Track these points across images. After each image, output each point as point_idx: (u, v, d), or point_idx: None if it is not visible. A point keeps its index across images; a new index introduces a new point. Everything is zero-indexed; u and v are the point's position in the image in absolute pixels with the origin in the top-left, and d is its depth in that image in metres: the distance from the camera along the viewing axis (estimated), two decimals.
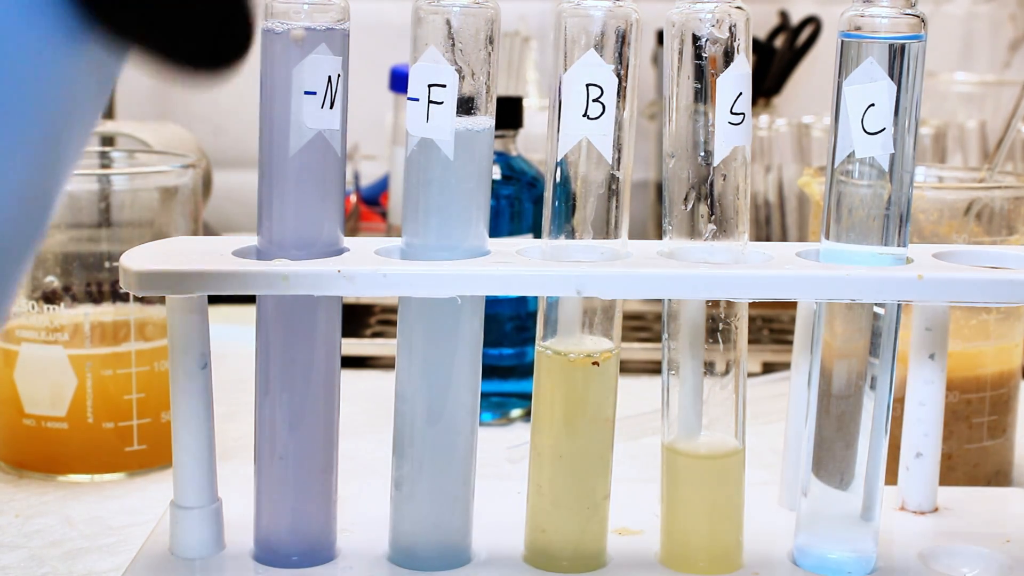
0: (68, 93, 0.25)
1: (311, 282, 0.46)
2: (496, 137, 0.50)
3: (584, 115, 0.46)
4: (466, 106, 0.46)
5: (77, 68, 0.24)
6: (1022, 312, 0.62)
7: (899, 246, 0.47)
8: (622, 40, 0.46)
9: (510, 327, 0.74)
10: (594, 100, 0.46)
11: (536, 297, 0.48)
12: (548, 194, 0.48)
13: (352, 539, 0.51)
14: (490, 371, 0.71)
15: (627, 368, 0.82)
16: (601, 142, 0.46)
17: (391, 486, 0.49)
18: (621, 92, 0.46)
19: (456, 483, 0.49)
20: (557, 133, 0.46)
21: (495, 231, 0.59)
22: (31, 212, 0.25)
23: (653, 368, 0.83)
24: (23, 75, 0.23)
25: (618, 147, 0.46)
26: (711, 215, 0.47)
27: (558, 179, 0.47)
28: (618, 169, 0.47)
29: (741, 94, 0.46)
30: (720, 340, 0.48)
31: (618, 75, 0.46)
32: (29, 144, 0.24)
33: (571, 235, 0.47)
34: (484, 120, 0.47)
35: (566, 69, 0.46)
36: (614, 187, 0.47)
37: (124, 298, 0.63)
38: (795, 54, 1.06)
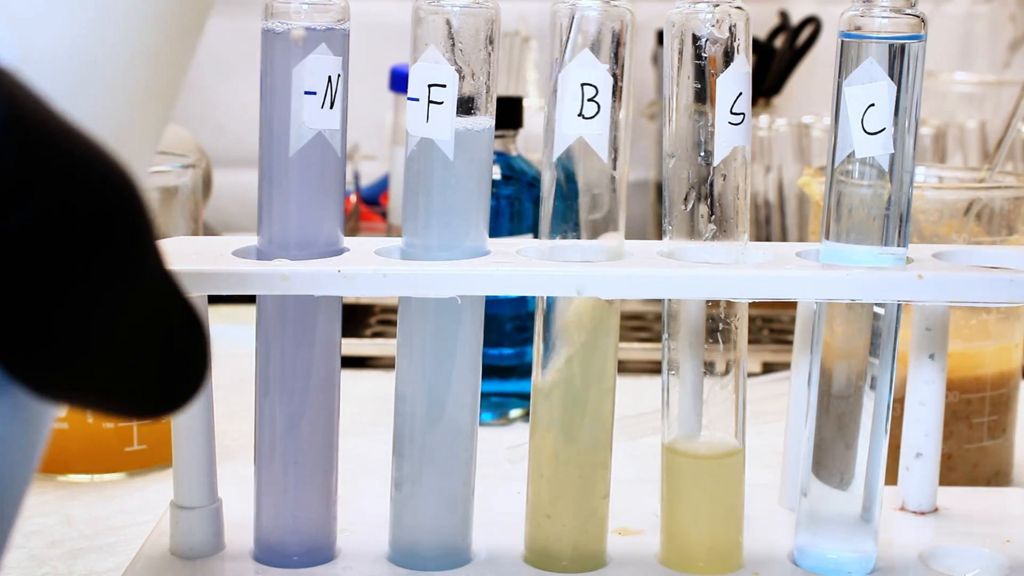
0: None
1: (311, 282, 0.46)
2: (496, 137, 0.50)
3: (579, 115, 0.46)
4: (466, 106, 0.46)
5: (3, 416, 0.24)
6: (1022, 312, 0.62)
7: (899, 246, 0.47)
8: (617, 40, 0.46)
9: (510, 327, 0.74)
10: (589, 100, 0.46)
11: (536, 297, 0.48)
12: (545, 194, 0.48)
13: (352, 539, 0.51)
14: (490, 371, 0.71)
15: (627, 368, 0.82)
16: (596, 141, 0.46)
17: (391, 486, 0.49)
18: (617, 92, 0.46)
19: (456, 483, 0.49)
20: (553, 133, 0.46)
21: (495, 231, 0.59)
22: None
23: (653, 368, 0.83)
24: None
25: (614, 146, 0.46)
26: (711, 215, 0.47)
27: (554, 179, 0.47)
28: (615, 168, 0.47)
29: (741, 94, 0.46)
30: (720, 340, 0.48)
31: (613, 75, 0.46)
32: None
33: (569, 235, 0.47)
34: (484, 120, 0.47)
35: (562, 67, 0.46)
36: (611, 187, 0.47)
37: None
38: (795, 54, 1.06)
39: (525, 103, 0.79)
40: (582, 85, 0.46)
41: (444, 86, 0.46)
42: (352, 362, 0.83)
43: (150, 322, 0.24)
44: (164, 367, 0.24)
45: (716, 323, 0.48)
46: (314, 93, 0.46)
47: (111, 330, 0.23)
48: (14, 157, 0.21)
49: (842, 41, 0.46)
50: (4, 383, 0.23)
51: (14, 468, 0.25)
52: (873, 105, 0.46)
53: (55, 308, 0.22)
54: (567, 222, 0.47)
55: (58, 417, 0.62)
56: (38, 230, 0.22)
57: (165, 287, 0.24)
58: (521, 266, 0.46)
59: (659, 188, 0.78)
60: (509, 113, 0.73)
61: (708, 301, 0.48)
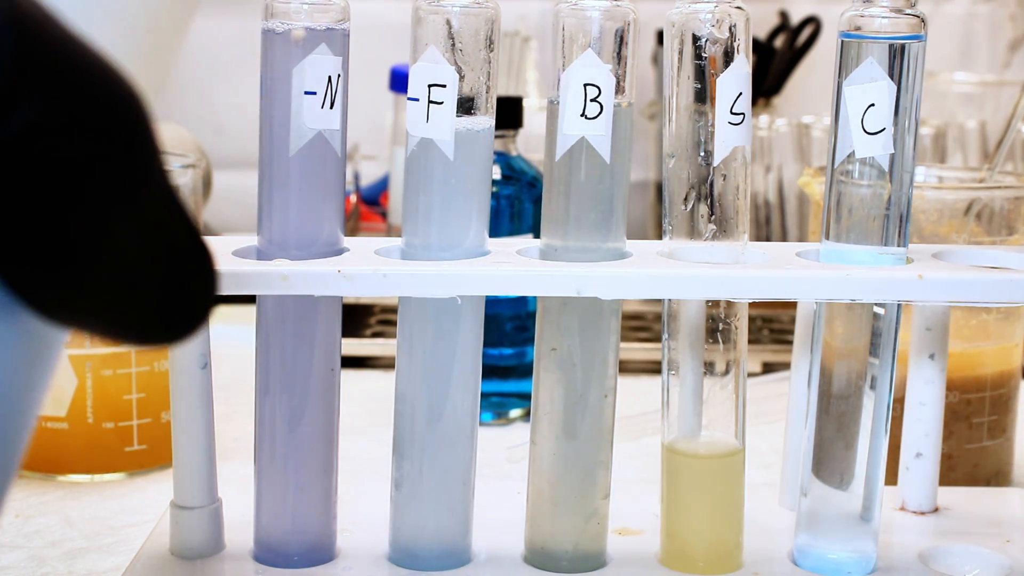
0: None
1: (311, 282, 0.46)
2: (496, 137, 0.50)
3: (582, 114, 0.46)
4: (466, 106, 0.46)
5: (6, 334, 0.22)
6: (1022, 312, 0.62)
7: (899, 246, 0.47)
8: (620, 40, 0.46)
9: (510, 327, 0.74)
10: (592, 100, 0.46)
11: (536, 297, 0.48)
12: (546, 194, 0.48)
13: (352, 539, 0.51)
14: (490, 371, 0.71)
15: (627, 368, 0.82)
16: (599, 141, 0.46)
17: (391, 486, 0.49)
18: (619, 91, 0.46)
19: (456, 483, 0.49)
20: (555, 133, 0.46)
21: (495, 231, 0.59)
22: None
23: (653, 368, 0.83)
24: None
25: (616, 146, 0.46)
26: (711, 215, 0.47)
27: (556, 179, 0.47)
28: (616, 169, 0.47)
29: (741, 94, 0.46)
30: (720, 340, 0.48)
31: (616, 75, 0.46)
32: None
33: (570, 235, 0.47)
34: (484, 120, 0.47)
35: (564, 69, 0.46)
36: (612, 187, 0.47)
37: None
38: (795, 54, 1.06)
39: (525, 103, 0.79)
40: (585, 85, 0.46)
41: (444, 86, 0.46)
42: (352, 362, 0.83)
43: (155, 239, 0.23)
44: (169, 289, 0.23)
45: (716, 323, 0.48)
46: (314, 93, 0.46)
47: (114, 245, 0.22)
48: (12, 58, 0.20)
49: (842, 41, 0.46)
50: (10, 306, 0.22)
51: (21, 394, 0.23)
52: (873, 105, 0.46)
53: (54, 219, 0.21)
54: (568, 222, 0.47)
55: (58, 417, 0.63)
56: (36, 135, 0.21)
57: (170, 203, 0.23)
58: (521, 266, 0.46)
59: (659, 188, 0.78)
60: (509, 113, 0.73)
61: (708, 301, 0.48)
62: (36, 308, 0.22)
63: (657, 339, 0.85)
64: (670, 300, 0.48)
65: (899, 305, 0.48)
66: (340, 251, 0.48)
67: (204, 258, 0.24)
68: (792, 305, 0.58)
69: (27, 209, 0.21)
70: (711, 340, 0.48)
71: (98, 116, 0.21)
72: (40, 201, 0.21)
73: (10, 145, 0.20)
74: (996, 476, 0.63)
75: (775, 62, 1.05)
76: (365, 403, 0.74)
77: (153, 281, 0.23)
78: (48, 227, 0.21)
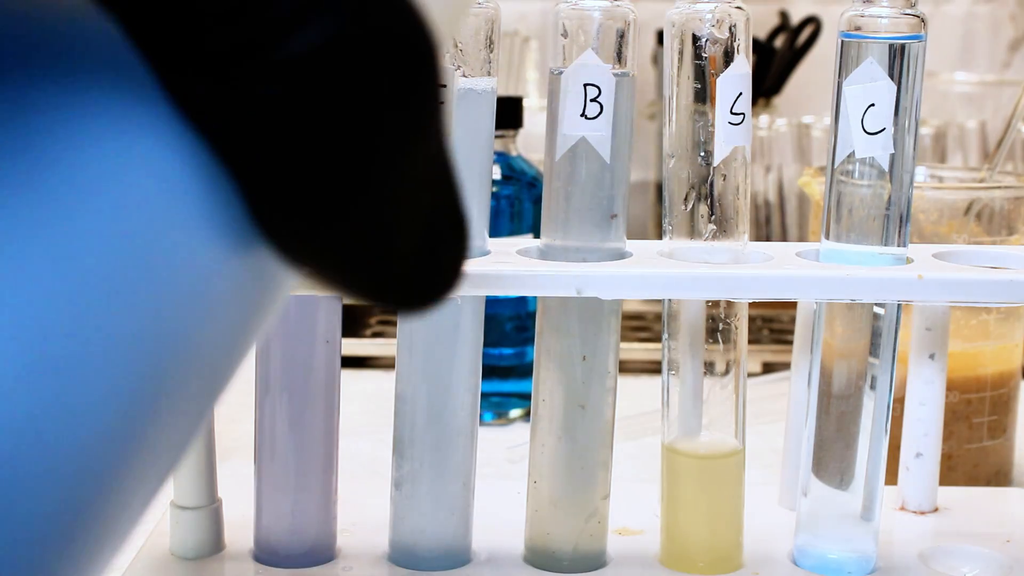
0: (230, 301, 0.20)
1: None
2: (496, 137, 0.50)
3: (582, 115, 0.46)
4: None
5: (239, 277, 0.20)
6: (1022, 312, 0.62)
7: (899, 246, 0.47)
8: (620, 39, 0.46)
9: (510, 327, 0.74)
10: (592, 100, 0.46)
11: (536, 297, 0.48)
12: (546, 194, 0.48)
13: (352, 539, 0.51)
14: (490, 371, 0.71)
15: (627, 368, 0.82)
16: (599, 141, 0.46)
17: (391, 486, 0.49)
18: (624, 91, 0.46)
19: (456, 483, 0.49)
20: (555, 133, 0.46)
21: (495, 231, 0.59)
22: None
23: (653, 368, 0.83)
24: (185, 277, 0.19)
25: (616, 147, 0.46)
26: (711, 215, 0.47)
27: (556, 179, 0.47)
28: (616, 169, 0.47)
29: (741, 94, 0.46)
30: (720, 340, 0.48)
31: (616, 75, 0.46)
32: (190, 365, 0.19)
33: (570, 235, 0.47)
34: (486, 81, 0.47)
35: (564, 69, 0.46)
36: (612, 187, 0.47)
37: None
38: (795, 54, 1.06)
39: (525, 103, 0.79)
40: (585, 85, 0.46)
41: (444, 86, 0.46)
42: (352, 362, 0.83)
43: (423, 196, 0.20)
44: (425, 253, 0.21)
45: (716, 323, 0.48)
46: None
47: (383, 195, 0.19)
48: None
49: (842, 41, 0.46)
50: (248, 240, 0.20)
51: (236, 336, 0.20)
52: (873, 105, 0.46)
53: (322, 158, 0.18)
54: (568, 222, 0.47)
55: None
56: (321, 58, 0.18)
57: (444, 159, 0.20)
58: (521, 266, 0.46)
59: (659, 188, 0.78)
60: (509, 113, 0.73)
61: (708, 301, 0.48)
62: (279, 247, 0.20)
63: (657, 339, 0.85)
64: (670, 300, 0.48)
65: (899, 305, 0.48)
66: None
67: (462, 227, 0.21)
68: (792, 305, 0.58)
69: (293, 138, 0.18)
70: (711, 340, 0.48)
71: (392, 48, 0.19)
72: (307, 131, 0.18)
73: (290, 65, 0.18)
74: (996, 476, 0.63)
75: (775, 62, 1.05)
76: (365, 403, 0.74)
77: (412, 241, 0.20)
78: (316, 163, 0.19)
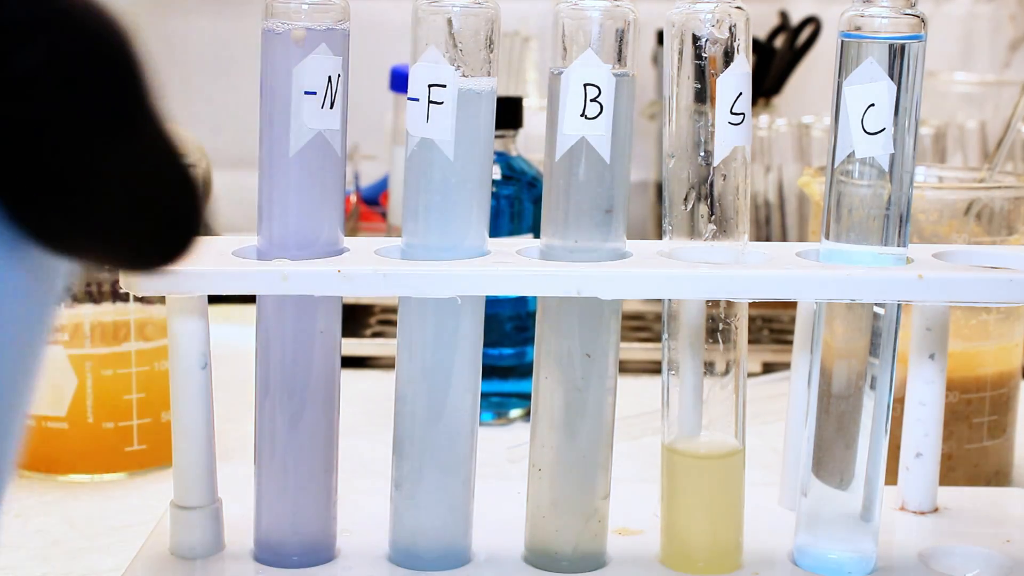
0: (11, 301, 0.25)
1: (311, 282, 0.46)
2: (496, 137, 0.50)
3: (582, 115, 0.46)
4: None
5: (16, 276, 0.25)
6: (1022, 312, 0.62)
7: (899, 246, 0.47)
8: (620, 39, 0.46)
9: (510, 327, 0.74)
10: (592, 100, 0.46)
11: (536, 297, 0.48)
12: (546, 194, 0.48)
13: (352, 539, 0.51)
14: (490, 371, 0.71)
15: (627, 368, 0.82)
16: (599, 142, 0.46)
17: (391, 486, 0.49)
18: (624, 91, 0.46)
19: (456, 483, 0.49)
20: (555, 133, 0.46)
21: (495, 231, 0.59)
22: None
23: (653, 368, 0.83)
24: None
25: (616, 147, 0.46)
26: (711, 215, 0.47)
27: (556, 179, 0.47)
28: (616, 169, 0.47)
29: (741, 94, 0.46)
30: (720, 340, 0.48)
31: (616, 75, 0.46)
32: None
33: (570, 235, 0.47)
34: (486, 81, 0.47)
35: (564, 69, 0.46)
36: (612, 187, 0.47)
37: (124, 298, 0.63)
38: (795, 54, 1.06)
39: (525, 103, 0.79)
40: (585, 85, 0.46)
41: (444, 86, 0.46)
42: (352, 362, 0.83)
43: (148, 173, 0.25)
44: (158, 217, 0.26)
45: (716, 323, 0.48)
46: (314, 93, 0.46)
47: (111, 179, 0.24)
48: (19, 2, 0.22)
49: (842, 41, 0.46)
50: (16, 246, 0.24)
51: (31, 332, 0.26)
52: (873, 105, 0.46)
53: (58, 153, 0.23)
54: (568, 222, 0.47)
55: (58, 417, 0.63)
56: (41, 73, 0.22)
57: (164, 144, 0.25)
58: (521, 266, 0.46)
59: (659, 188, 0.78)
60: (509, 113, 0.73)
61: (708, 301, 0.48)
62: (40, 238, 0.24)
63: (657, 339, 0.85)
64: (670, 300, 0.48)
65: (899, 305, 0.48)
66: (340, 251, 0.48)
67: (189, 188, 0.26)
68: (792, 305, 0.58)
69: (31, 141, 0.23)
70: (711, 340, 0.48)
71: (98, 56, 0.23)
72: (43, 134, 0.23)
73: (18, 82, 0.22)
74: (996, 476, 0.63)
75: (775, 62, 1.05)
76: (365, 403, 0.74)
77: (146, 210, 0.25)
78: (50, 159, 0.23)
